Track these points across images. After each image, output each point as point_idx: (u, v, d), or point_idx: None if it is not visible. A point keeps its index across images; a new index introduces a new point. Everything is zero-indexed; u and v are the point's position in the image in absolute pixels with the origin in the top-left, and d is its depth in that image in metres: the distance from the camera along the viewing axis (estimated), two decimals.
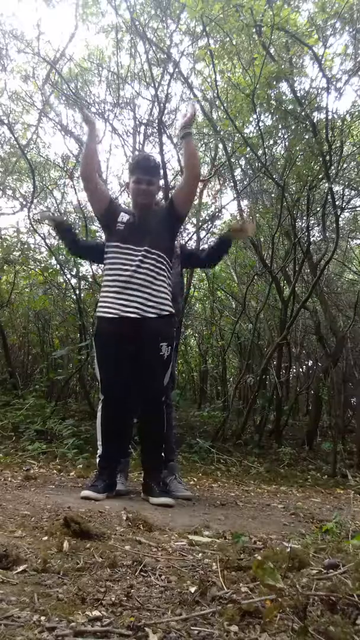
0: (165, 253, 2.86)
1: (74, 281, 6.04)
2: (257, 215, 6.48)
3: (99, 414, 2.86)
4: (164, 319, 2.80)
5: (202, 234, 6.74)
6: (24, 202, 6.82)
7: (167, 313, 2.81)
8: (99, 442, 2.83)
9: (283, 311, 5.83)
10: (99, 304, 2.88)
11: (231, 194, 7.33)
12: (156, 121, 5.51)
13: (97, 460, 2.84)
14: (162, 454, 2.88)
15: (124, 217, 2.90)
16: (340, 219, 5.56)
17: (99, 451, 2.83)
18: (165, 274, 2.86)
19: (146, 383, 2.80)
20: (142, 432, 2.93)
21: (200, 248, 3.42)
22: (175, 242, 3.41)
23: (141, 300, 2.75)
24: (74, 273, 5.95)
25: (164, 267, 2.85)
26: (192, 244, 6.34)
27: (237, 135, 5.23)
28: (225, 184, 6.98)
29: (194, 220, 6.74)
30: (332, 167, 5.01)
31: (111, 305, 2.77)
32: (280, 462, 4.86)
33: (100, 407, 2.86)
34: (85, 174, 2.92)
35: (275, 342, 5.73)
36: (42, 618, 1.00)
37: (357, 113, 5.14)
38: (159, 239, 2.85)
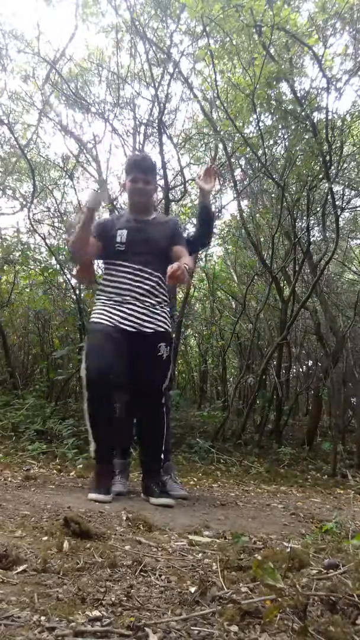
0: (164, 273, 2.78)
1: (74, 281, 6.04)
2: (257, 215, 6.48)
3: (86, 415, 2.72)
4: (159, 334, 2.77)
5: None
6: (24, 202, 6.83)
7: (163, 330, 2.79)
8: (91, 438, 2.73)
9: (283, 311, 5.83)
10: (94, 314, 2.81)
11: (231, 194, 7.34)
12: (156, 121, 5.51)
13: (94, 455, 2.75)
14: (162, 455, 2.87)
15: (122, 235, 2.81)
16: (340, 219, 5.56)
17: (93, 446, 2.72)
18: (164, 295, 2.84)
19: (145, 385, 2.78)
20: (142, 433, 2.91)
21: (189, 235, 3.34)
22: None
23: (139, 315, 2.73)
24: (74, 273, 5.95)
25: (163, 288, 2.83)
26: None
27: (237, 135, 5.23)
28: (225, 184, 6.99)
29: (194, 220, 6.75)
30: (332, 167, 5.01)
31: (109, 315, 2.73)
32: (280, 462, 4.86)
33: (85, 406, 2.72)
34: (81, 259, 2.90)
35: (275, 342, 5.73)
36: (42, 618, 1.00)
37: (357, 113, 5.14)
38: (160, 259, 2.80)
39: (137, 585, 1.25)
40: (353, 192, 6.13)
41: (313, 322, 6.13)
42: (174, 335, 3.12)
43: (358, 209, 6.75)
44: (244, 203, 6.62)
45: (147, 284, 2.77)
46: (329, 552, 1.59)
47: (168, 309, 2.90)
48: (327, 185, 5.15)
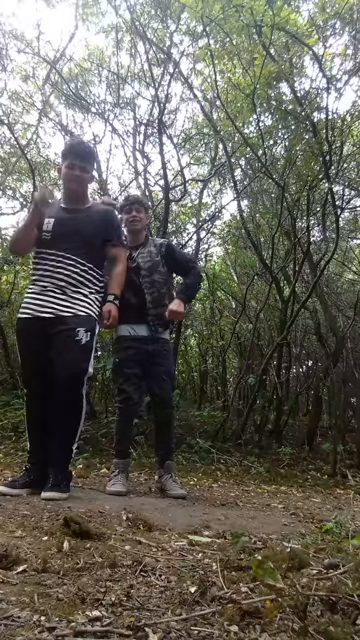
0: (92, 262, 2.77)
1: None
2: (257, 215, 6.48)
3: (25, 409, 2.81)
4: (80, 317, 2.68)
5: (202, 234, 6.76)
6: (24, 202, 6.83)
7: (84, 314, 2.70)
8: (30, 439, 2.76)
9: (283, 311, 5.83)
10: (21, 305, 2.82)
11: (231, 194, 7.34)
12: (156, 121, 5.51)
13: (28, 456, 2.76)
14: (72, 447, 2.69)
15: (49, 223, 2.76)
16: (340, 219, 5.56)
17: (29, 445, 2.77)
18: (90, 282, 2.77)
19: (61, 369, 2.59)
20: (54, 421, 2.64)
21: (188, 263, 3.32)
22: (163, 240, 3.33)
23: (57, 302, 2.68)
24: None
25: (94, 277, 2.78)
26: (192, 244, 6.34)
27: (237, 135, 5.24)
28: (225, 184, 6.99)
29: (194, 220, 6.75)
30: (332, 167, 5.01)
31: (28, 306, 2.71)
32: (280, 462, 4.86)
33: (26, 400, 2.81)
34: (17, 251, 2.99)
35: (275, 342, 5.73)
36: (42, 618, 1.00)
37: (357, 113, 5.15)
38: (89, 249, 2.76)
39: (137, 585, 1.25)
40: (353, 192, 6.13)
41: (313, 322, 6.13)
42: (173, 336, 3.09)
43: (358, 209, 6.75)
44: (244, 203, 6.62)
45: (69, 271, 2.70)
46: (329, 552, 1.59)
47: (97, 297, 2.80)
48: (327, 185, 5.15)
